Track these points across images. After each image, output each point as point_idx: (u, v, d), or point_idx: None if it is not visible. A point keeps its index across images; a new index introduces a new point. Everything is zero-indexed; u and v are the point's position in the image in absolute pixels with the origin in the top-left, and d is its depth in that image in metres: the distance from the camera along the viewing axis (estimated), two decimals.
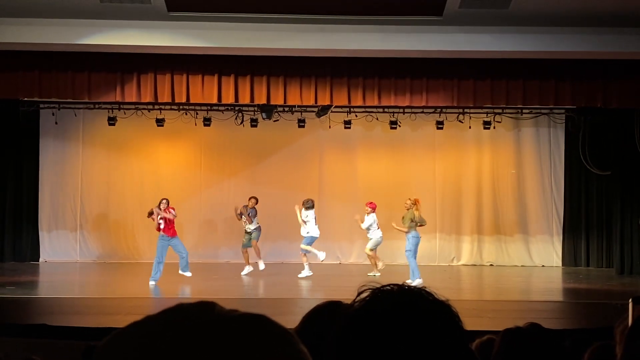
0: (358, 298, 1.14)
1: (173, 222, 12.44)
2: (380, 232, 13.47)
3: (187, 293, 11.63)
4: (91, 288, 12.53)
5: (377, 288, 1.14)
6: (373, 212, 13.45)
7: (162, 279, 12.08)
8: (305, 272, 13.10)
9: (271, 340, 0.72)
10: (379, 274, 13.26)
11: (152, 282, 11.97)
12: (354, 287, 1.15)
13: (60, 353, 5.76)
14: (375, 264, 13.50)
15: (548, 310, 10.03)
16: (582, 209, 16.01)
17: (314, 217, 13.35)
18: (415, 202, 12.58)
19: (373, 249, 13.55)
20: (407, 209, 12.61)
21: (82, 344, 4.19)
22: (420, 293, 1.13)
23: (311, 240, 13.27)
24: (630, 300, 2.18)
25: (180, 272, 12.44)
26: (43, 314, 9.24)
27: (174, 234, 12.42)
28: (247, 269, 13.49)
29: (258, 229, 13.70)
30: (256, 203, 13.75)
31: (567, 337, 3.68)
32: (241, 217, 13.77)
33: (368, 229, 13.49)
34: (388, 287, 1.14)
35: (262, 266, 13.44)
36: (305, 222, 13.29)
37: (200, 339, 0.70)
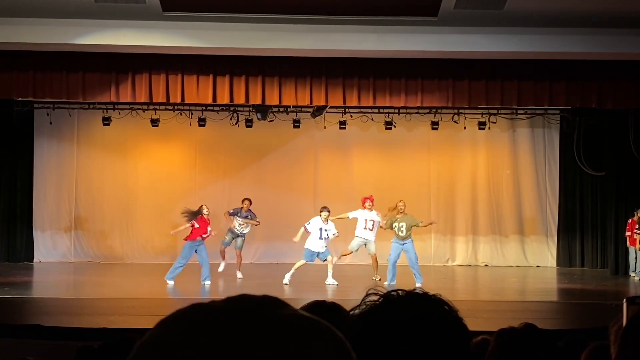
0: (366, 301, 1.13)
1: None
2: (369, 234, 12.79)
3: (181, 293, 11.60)
4: (85, 288, 12.49)
5: (389, 292, 1.14)
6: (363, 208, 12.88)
7: (156, 279, 12.09)
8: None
9: (328, 349, 0.73)
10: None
11: (207, 282, 12.06)
12: (350, 288, 1.15)
13: (54, 353, 5.75)
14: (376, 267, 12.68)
15: (542, 311, 10.05)
16: (576, 210, 16.04)
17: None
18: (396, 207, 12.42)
19: (375, 252, 12.75)
20: (401, 212, 12.24)
21: (77, 345, 4.18)
22: (434, 300, 1.12)
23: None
24: (624, 300, 2.18)
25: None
26: (37, 314, 9.21)
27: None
28: (223, 265, 13.13)
29: (244, 235, 13.32)
30: (250, 205, 13.32)
31: (561, 337, 3.69)
32: (231, 215, 13.27)
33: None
34: (399, 292, 1.14)
35: (239, 275, 13.04)
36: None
37: (259, 335, 0.71)
